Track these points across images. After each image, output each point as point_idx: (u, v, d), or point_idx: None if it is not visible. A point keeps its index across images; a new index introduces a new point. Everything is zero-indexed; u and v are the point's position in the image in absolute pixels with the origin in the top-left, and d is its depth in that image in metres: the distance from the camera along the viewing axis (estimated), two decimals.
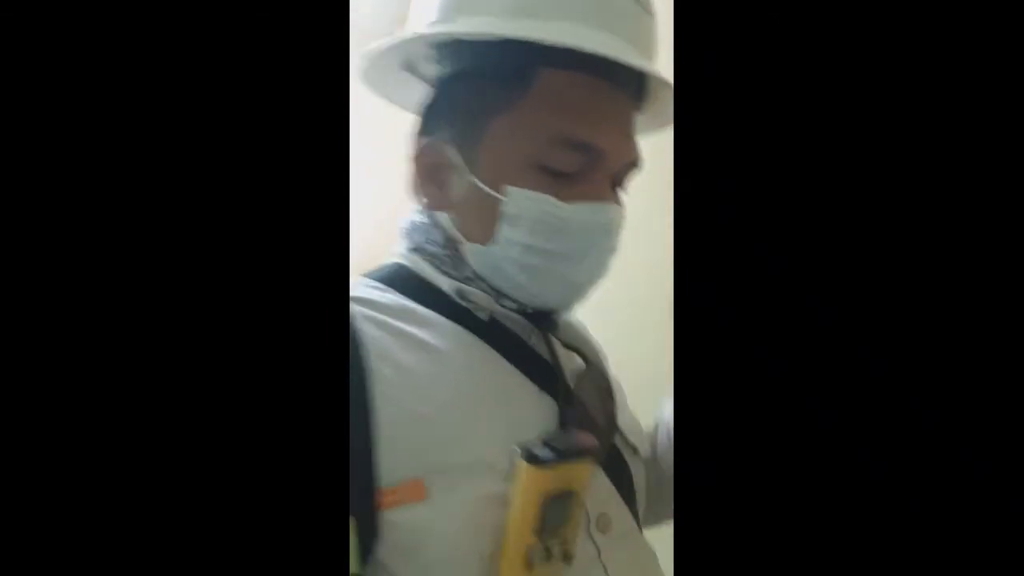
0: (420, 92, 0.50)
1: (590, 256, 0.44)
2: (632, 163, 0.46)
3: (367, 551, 0.37)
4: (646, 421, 0.59)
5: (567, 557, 0.39)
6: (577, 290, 0.46)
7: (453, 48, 0.45)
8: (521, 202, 0.42)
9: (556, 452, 0.37)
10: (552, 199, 0.42)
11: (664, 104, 0.49)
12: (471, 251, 0.45)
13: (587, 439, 0.40)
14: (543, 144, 0.42)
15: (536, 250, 0.43)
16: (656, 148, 0.65)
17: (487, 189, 0.43)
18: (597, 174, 0.43)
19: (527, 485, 0.37)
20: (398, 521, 0.37)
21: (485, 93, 0.44)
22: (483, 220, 0.44)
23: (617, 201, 0.46)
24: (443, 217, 0.46)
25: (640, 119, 0.48)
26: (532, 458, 0.37)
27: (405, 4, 0.50)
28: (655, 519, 0.55)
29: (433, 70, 0.48)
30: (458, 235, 0.46)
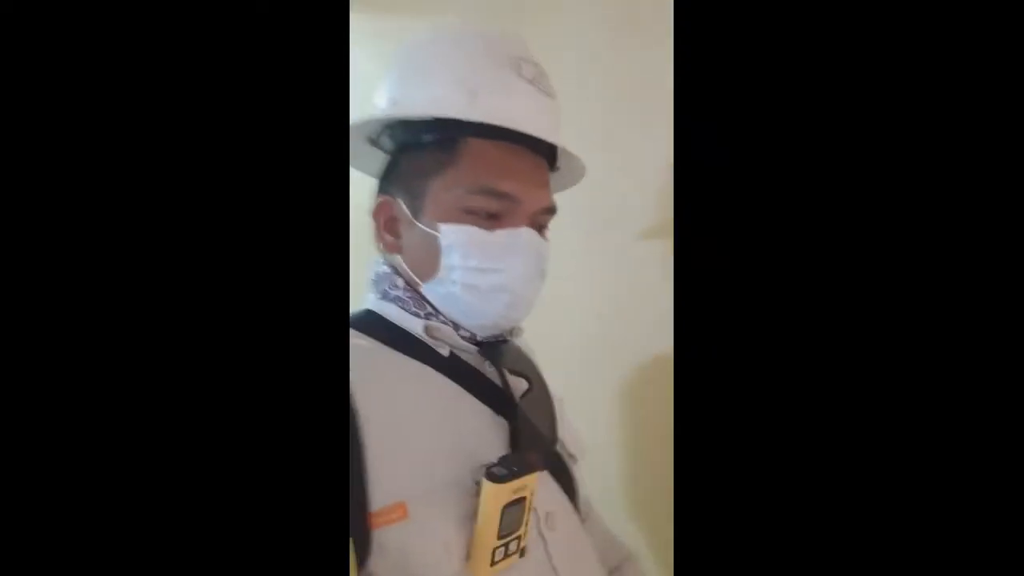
0: (379, 161, 0.61)
1: (517, 272, 0.54)
2: (547, 209, 0.58)
3: (361, 565, 0.45)
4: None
5: (522, 552, 0.49)
6: (515, 307, 0.56)
7: (400, 127, 0.57)
8: (451, 234, 0.54)
9: (510, 470, 0.47)
10: (474, 227, 0.54)
11: (570, 167, 0.62)
12: (427, 289, 0.56)
13: (533, 457, 0.51)
14: (468, 193, 0.54)
15: (471, 270, 0.53)
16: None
17: (427, 229, 0.55)
18: (515, 216, 0.55)
19: (490, 498, 0.46)
20: (385, 538, 0.46)
21: (425, 160, 0.56)
22: (429, 258, 0.55)
23: (537, 231, 0.57)
24: (399, 261, 0.57)
25: (555, 177, 0.61)
26: (493, 477, 0.46)
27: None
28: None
29: (388, 144, 0.60)
30: (413, 276, 0.56)
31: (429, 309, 0.57)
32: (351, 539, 0.44)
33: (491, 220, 0.54)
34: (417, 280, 0.57)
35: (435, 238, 0.54)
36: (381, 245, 0.59)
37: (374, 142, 0.60)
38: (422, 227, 0.55)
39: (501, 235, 0.54)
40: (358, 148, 0.60)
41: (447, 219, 0.54)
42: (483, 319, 0.56)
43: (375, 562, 0.45)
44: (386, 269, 0.59)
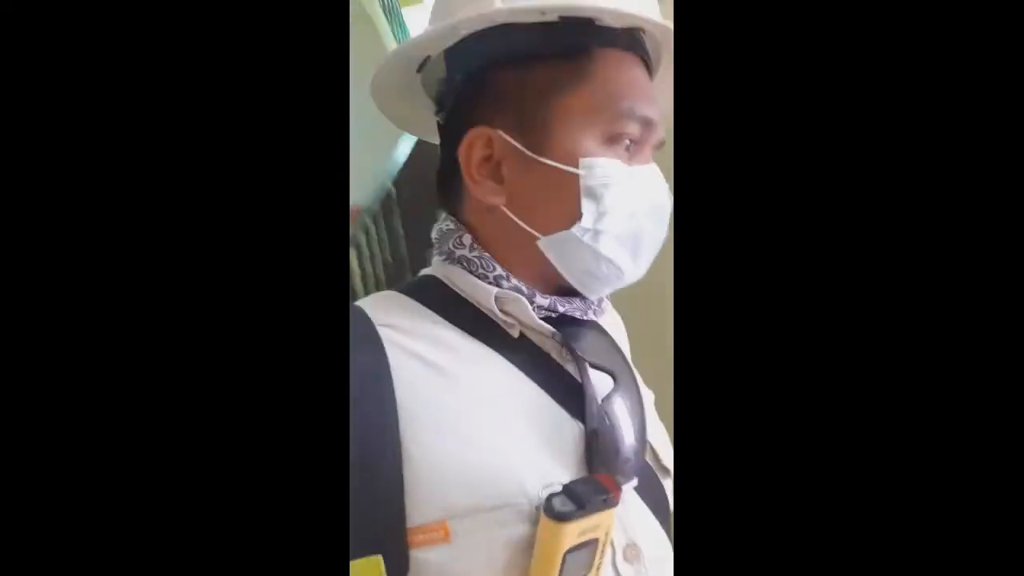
0: (417, 104, 0.53)
1: (659, 220, 0.47)
2: (662, 138, 0.48)
3: None
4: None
5: None
6: (640, 264, 0.48)
7: (477, 39, 0.45)
8: (600, 170, 0.44)
9: (579, 504, 0.37)
10: (619, 162, 0.45)
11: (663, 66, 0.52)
12: (548, 243, 0.45)
13: (612, 484, 0.40)
14: (613, 119, 0.44)
15: (618, 216, 0.44)
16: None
17: (566, 168, 0.44)
18: (647, 144, 0.47)
19: (549, 539, 0.37)
20: (424, 559, 0.39)
21: (542, 76, 0.45)
22: (557, 204, 0.45)
23: None
24: (499, 212, 0.46)
25: None
26: (554, 514, 0.37)
27: None
28: None
29: (445, 65, 0.49)
30: (528, 228, 0.46)
31: (500, 271, 0.46)
32: (381, 555, 0.38)
33: (628, 152, 0.45)
34: (534, 232, 0.45)
35: (571, 177, 0.43)
36: (479, 195, 0.47)
37: (423, 70, 0.50)
38: (549, 164, 0.44)
39: (643, 171, 0.46)
40: (402, 83, 0.51)
41: (587, 151, 0.44)
42: (608, 281, 0.47)
43: None
44: (451, 226, 0.49)
